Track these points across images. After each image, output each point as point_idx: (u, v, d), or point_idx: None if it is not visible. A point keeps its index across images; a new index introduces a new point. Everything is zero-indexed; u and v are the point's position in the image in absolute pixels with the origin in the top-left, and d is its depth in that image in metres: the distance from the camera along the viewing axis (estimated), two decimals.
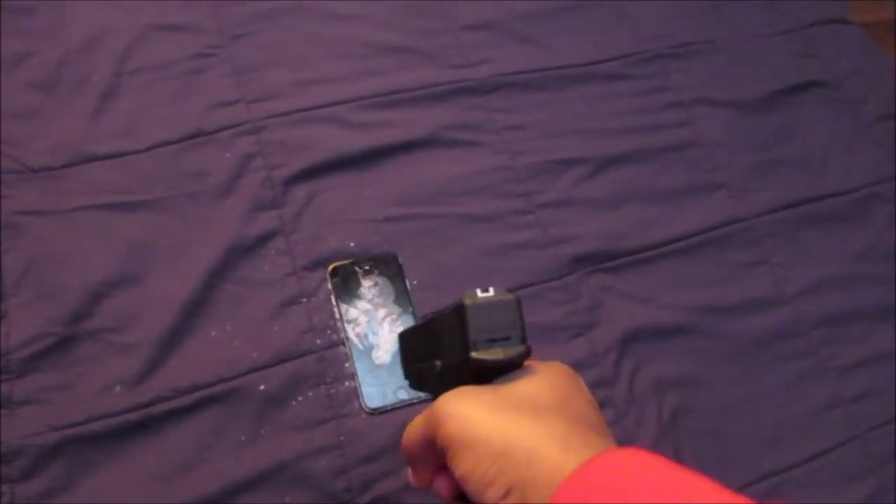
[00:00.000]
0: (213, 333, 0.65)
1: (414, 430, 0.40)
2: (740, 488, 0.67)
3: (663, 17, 0.94)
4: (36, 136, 0.70)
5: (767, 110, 0.91)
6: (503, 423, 0.35)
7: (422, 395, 0.65)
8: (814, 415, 0.73)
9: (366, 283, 0.69)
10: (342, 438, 0.63)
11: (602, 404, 0.67)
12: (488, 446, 0.34)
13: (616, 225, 0.78)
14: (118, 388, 0.61)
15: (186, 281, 0.66)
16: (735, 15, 0.98)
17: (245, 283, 0.68)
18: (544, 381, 0.38)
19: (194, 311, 0.65)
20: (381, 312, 0.69)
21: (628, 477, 0.31)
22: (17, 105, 0.72)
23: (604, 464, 0.32)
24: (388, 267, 0.71)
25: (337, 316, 0.68)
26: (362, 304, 0.69)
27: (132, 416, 0.60)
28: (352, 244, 0.71)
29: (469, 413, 0.36)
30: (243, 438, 0.62)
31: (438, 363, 0.43)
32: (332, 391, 0.65)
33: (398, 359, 0.66)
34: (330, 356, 0.66)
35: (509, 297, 0.39)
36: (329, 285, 0.69)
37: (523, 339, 0.39)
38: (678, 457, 0.67)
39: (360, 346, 0.67)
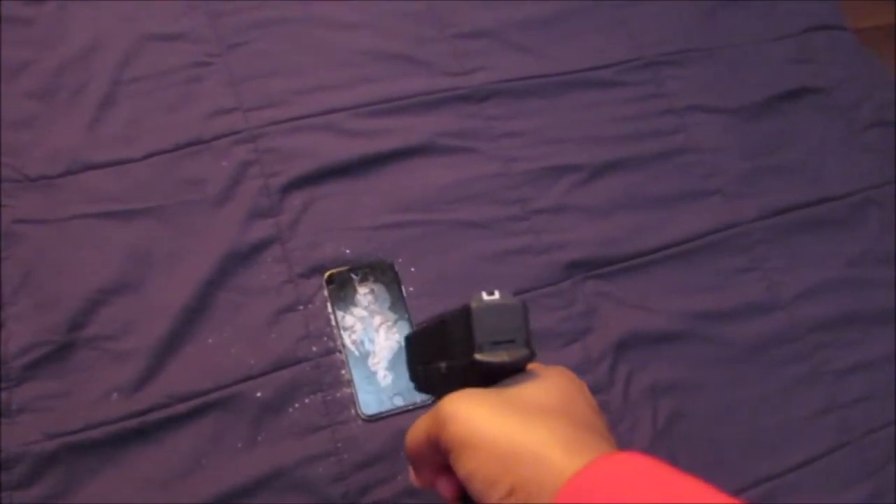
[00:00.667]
0: (210, 341, 0.65)
1: (417, 430, 0.40)
2: (736, 493, 0.67)
3: (657, 25, 0.95)
4: (34, 145, 0.71)
5: (761, 116, 0.91)
6: (508, 425, 0.35)
7: (417, 401, 0.65)
8: (809, 420, 0.73)
9: (362, 290, 0.70)
10: (339, 445, 0.63)
11: None
12: (493, 447, 0.35)
13: (610, 231, 0.78)
14: (115, 395, 0.61)
15: (184, 288, 0.66)
16: (729, 22, 0.98)
17: (242, 290, 0.68)
18: (549, 385, 0.39)
19: (191, 318, 0.66)
20: (377, 319, 0.69)
21: (629, 480, 0.31)
22: (15, 114, 0.72)
23: (605, 467, 0.32)
24: (384, 274, 0.71)
25: (333, 323, 0.68)
26: (358, 311, 0.69)
27: (130, 424, 0.60)
28: (348, 251, 0.72)
29: (474, 414, 0.36)
30: (240, 445, 0.62)
31: (443, 364, 0.43)
32: (329, 398, 0.65)
33: (394, 365, 0.66)
34: (326, 363, 0.66)
35: (515, 301, 0.40)
36: (325, 292, 0.69)
37: (528, 343, 0.39)
38: (673, 462, 0.67)
39: (357, 353, 0.67)
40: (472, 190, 0.77)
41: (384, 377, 0.66)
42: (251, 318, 0.67)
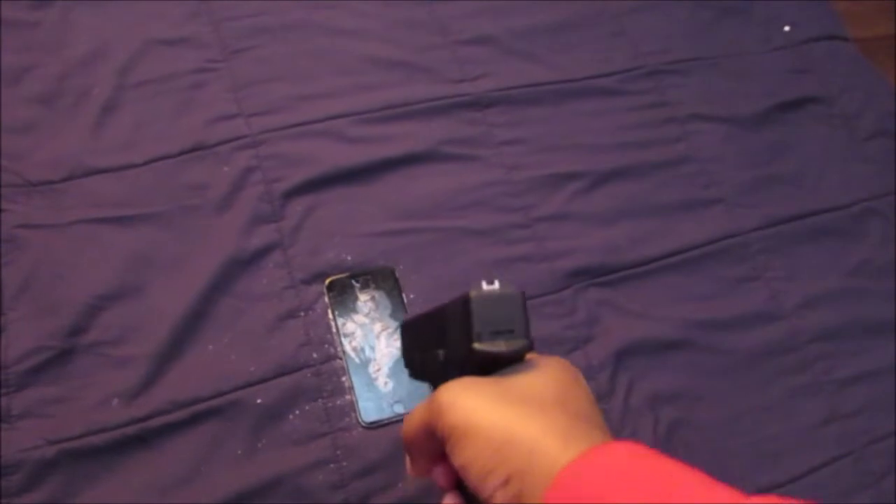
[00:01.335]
0: (211, 347, 0.65)
1: (414, 419, 0.40)
2: None
3: (660, 34, 0.95)
4: (36, 150, 0.71)
5: (763, 126, 0.91)
6: (505, 414, 0.35)
7: None
8: (810, 430, 0.73)
9: (363, 297, 0.70)
10: (339, 452, 0.63)
11: None
12: (490, 437, 0.35)
13: (612, 239, 0.78)
14: (116, 401, 0.61)
15: (185, 294, 0.66)
16: (731, 31, 0.99)
17: (243, 296, 0.68)
18: (546, 376, 0.39)
19: (192, 324, 0.65)
20: (378, 326, 0.69)
21: (623, 469, 0.31)
22: (17, 119, 0.72)
23: (599, 456, 0.32)
24: (385, 281, 0.71)
25: (334, 330, 0.68)
26: (359, 318, 0.69)
27: (130, 430, 0.60)
28: (349, 258, 0.72)
29: (471, 403, 0.36)
30: (240, 452, 0.62)
31: (441, 353, 0.43)
32: (329, 405, 0.65)
33: (395, 372, 0.66)
34: (327, 370, 0.66)
35: (514, 290, 0.40)
36: (326, 299, 0.69)
37: (526, 333, 0.39)
38: None
39: (357, 360, 0.67)
40: (475, 197, 0.78)
41: (385, 384, 0.66)
42: (252, 324, 0.67)
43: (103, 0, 0.80)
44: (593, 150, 0.84)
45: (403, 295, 0.71)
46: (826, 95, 0.96)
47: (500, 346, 0.38)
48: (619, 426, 0.69)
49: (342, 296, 0.69)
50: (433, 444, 0.39)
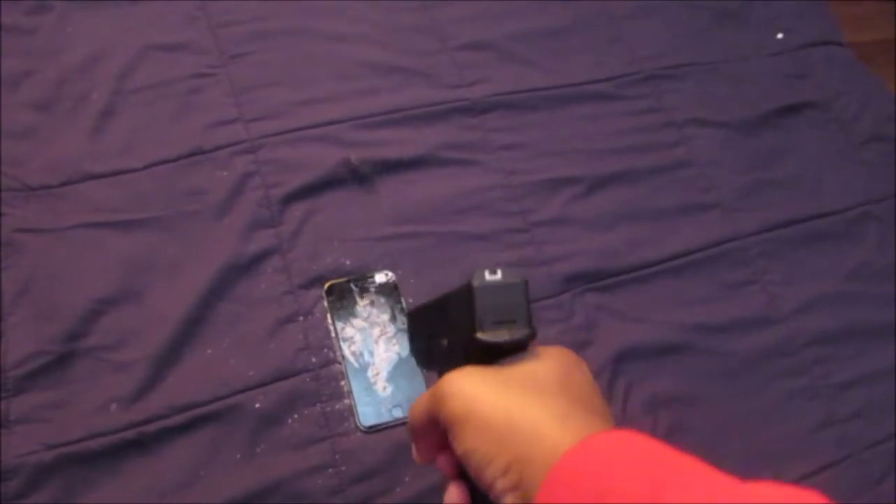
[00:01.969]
0: (210, 351, 0.65)
1: (418, 407, 0.40)
2: None
3: (657, 39, 0.95)
4: (35, 155, 0.71)
5: (760, 130, 0.92)
6: (507, 403, 0.35)
7: None
8: (807, 434, 0.73)
9: (361, 302, 0.70)
10: (337, 457, 0.63)
11: None
12: (491, 426, 0.35)
13: (610, 244, 0.78)
14: (114, 406, 0.61)
15: (183, 299, 0.66)
16: (728, 37, 0.99)
17: (242, 301, 0.68)
18: (548, 364, 0.39)
19: (191, 329, 0.65)
20: (377, 331, 0.69)
21: (622, 456, 0.31)
22: (16, 124, 0.72)
23: (599, 443, 0.32)
24: (384, 285, 0.71)
25: (333, 334, 0.68)
26: (358, 323, 0.69)
27: (128, 435, 0.60)
28: (348, 262, 0.72)
29: (473, 392, 0.36)
30: (239, 457, 0.62)
31: (445, 342, 0.44)
32: (328, 409, 0.65)
33: (394, 376, 0.66)
34: (325, 374, 0.66)
35: (517, 279, 0.40)
36: (325, 303, 0.69)
37: (529, 322, 0.39)
38: None
39: (356, 365, 0.67)
40: (473, 202, 0.78)
41: (383, 389, 0.66)
42: (251, 328, 0.67)
43: (101, 5, 0.80)
44: (591, 154, 0.84)
45: (402, 299, 0.71)
46: (823, 100, 0.97)
47: (502, 336, 0.38)
48: None
49: (341, 300, 0.70)
50: (437, 433, 0.39)
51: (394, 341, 0.69)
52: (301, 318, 0.68)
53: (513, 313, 0.39)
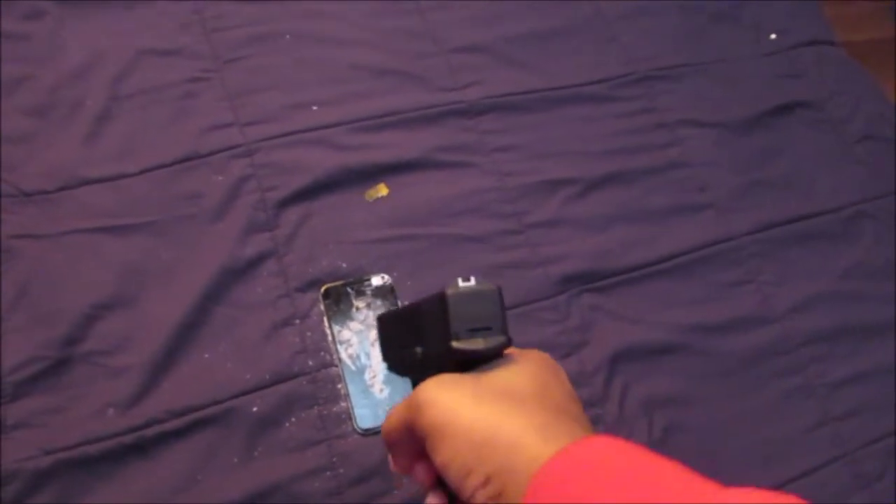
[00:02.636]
0: (207, 355, 0.65)
1: (394, 416, 0.40)
2: None
3: (650, 40, 0.95)
4: (30, 161, 0.71)
5: (753, 131, 0.92)
6: (484, 412, 0.35)
7: None
8: (803, 433, 0.74)
9: (358, 304, 0.70)
10: (335, 460, 0.63)
11: (592, 423, 0.68)
12: (469, 436, 0.34)
13: (605, 245, 0.79)
14: (111, 410, 0.61)
15: (180, 303, 0.66)
16: (721, 37, 0.99)
17: (238, 305, 0.68)
18: (525, 371, 0.39)
19: (188, 333, 0.66)
20: (374, 333, 0.69)
21: (602, 463, 0.31)
22: (11, 129, 0.72)
23: (578, 451, 0.32)
24: (380, 288, 0.71)
25: (329, 337, 0.68)
26: (355, 325, 0.69)
27: (125, 439, 0.60)
28: (344, 265, 0.72)
29: (450, 401, 0.36)
30: (236, 460, 0.62)
31: (419, 350, 0.43)
32: (325, 412, 0.65)
33: (391, 379, 0.66)
34: (322, 377, 0.66)
35: (490, 287, 0.39)
36: (321, 307, 0.69)
37: (504, 330, 0.39)
38: None
39: (353, 367, 0.67)
40: (468, 204, 0.78)
41: (380, 391, 0.66)
42: (247, 332, 0.67)
43: (96, 11, 0.80)
44: (585, 156, 0.84)
45: (398, 301, 0.71)
46: (816, 99, 0.97)
47: (478, 344, 0.38)
48: (613, 431, 0.69)
49: (338, 303, 0.70)
50: (413, 442, 0.38)
51: None
52: (298, 321, 0.68)
53: (487, 321, 0.39)
